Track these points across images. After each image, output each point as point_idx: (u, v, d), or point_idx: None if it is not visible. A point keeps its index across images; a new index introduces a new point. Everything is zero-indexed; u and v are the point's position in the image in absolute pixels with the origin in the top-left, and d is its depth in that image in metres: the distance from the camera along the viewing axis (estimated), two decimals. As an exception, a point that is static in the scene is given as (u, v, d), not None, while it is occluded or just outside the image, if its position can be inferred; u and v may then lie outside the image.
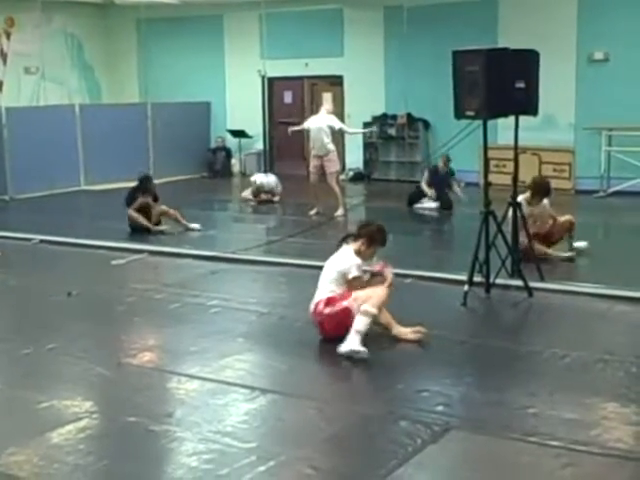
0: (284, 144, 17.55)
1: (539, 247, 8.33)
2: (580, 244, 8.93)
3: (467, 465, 4.27)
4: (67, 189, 15.11)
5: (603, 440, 4.36)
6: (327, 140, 12.19)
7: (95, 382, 5.49)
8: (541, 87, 7.36)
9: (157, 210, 10.99)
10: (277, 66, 16.64)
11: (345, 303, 5.93)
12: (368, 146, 16.73)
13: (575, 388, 5.18)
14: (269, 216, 13.36)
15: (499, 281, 7.42)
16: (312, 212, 12.23)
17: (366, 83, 16.45)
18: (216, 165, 17.92)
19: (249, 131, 17.61)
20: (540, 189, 8.67)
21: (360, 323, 5.78)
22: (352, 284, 6.06)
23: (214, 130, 18.36)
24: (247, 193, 13.94)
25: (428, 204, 12.59)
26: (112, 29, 19.15)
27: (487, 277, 7.35)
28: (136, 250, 9.57)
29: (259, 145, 17.38)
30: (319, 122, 12.17)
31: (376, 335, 5.97)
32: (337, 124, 12.37)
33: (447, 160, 12.74)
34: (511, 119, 7.44)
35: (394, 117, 16.34)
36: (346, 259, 6.17)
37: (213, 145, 18.24)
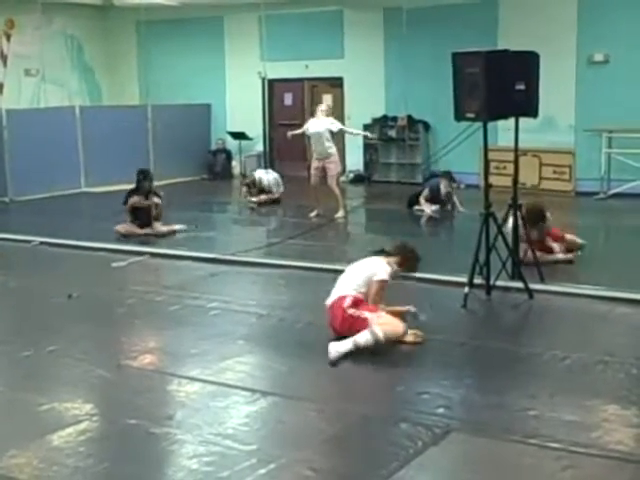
0: (284, 146, 17.53)
1: (539, 254, 8.29)
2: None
3: (468, 467, 4.27)
4: (67, 191, 15.10)
5: (604, 442, 4.37)
6: (328, 144, 12.20)
7: (95, 384, 5.49)
8: (541, 89, 7.37)
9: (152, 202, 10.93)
10: (277, 68, 16.65)
11: (367, 314, 5.90)
12: (368, 148, 16.72)
13: (576, 390, 5.18)
14: (269, 218, 13.35)
15: (499, 283, 7.42)
16: (312, 214, 12.23)
17: (366, 85, 16.45)
18: (216, 167, 17.92)
19: (249, 133, 17.61)
20: (534, 217, 8.39)
21: (362, 338, 5.78)
22: (375, 288, 6.07)
23: (214, 132, 18.35)
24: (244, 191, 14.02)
25: (427, 207, 12.54)
26: (112, 31, 19.16)
27: (487, 279, 7.34)
28: (136, 252, 9.57)
29: (259, 147, 17.39)
30: (318, 127, 12.14)
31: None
32: (336, 126, 12.35)
33: (451, 180, 12.65)
34: (511, 121, 7.44)
35: (394, 119, 16.34)
36: (377, 263, 6.21)
37: (213, 147, 18.23)
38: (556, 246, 8.68)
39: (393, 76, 16.11)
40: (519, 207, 7.68)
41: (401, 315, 6.17)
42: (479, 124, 7.20)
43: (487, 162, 7.54)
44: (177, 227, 11.01)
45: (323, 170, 12.29)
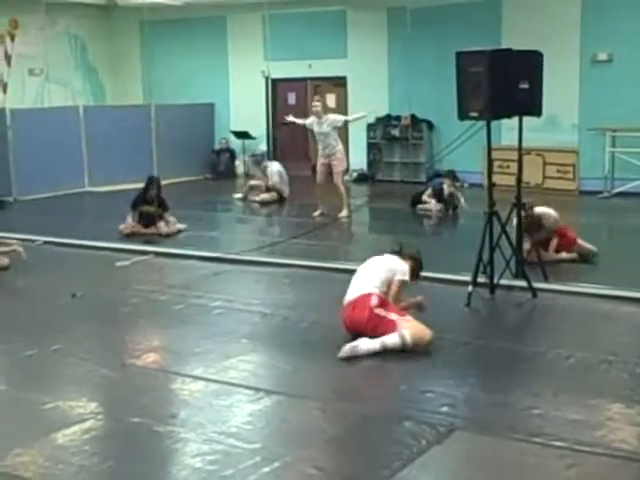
0: (288, 145, 17.57)
1: (544, 253, 8.28)
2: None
3: (472, 466, 4.27)
4: (71, 190, 15.12)
5: (608, 441, 4.37)
6: (334, 143, 12.24)
7: (100, 383, 5.50)
8: (545, 88, 7.36)
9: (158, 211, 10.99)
10: (280, 67, 16.66)
11: (394, 317, 5.90)
12: (372, 147, 16.73)
13: (580, 389, 5.18)
14: (272, 217, 13.37)
15: (503, 282, 7.42)
16: (316, 213, 12.24)
17: (370, 84, 16.44)
18: (220, 166, 17.93)
19: (253, 132, 17.62)
20: (531, 226, 8.31)
21: (390, 340, 5.79)
22: (396, 287, 6.09)
23: (218, 131, 18.37)
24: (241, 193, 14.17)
25: (431, 206, 12.54)
26: (116, 31, 19.18)
27: (491, 278, 7.34)
28: (140, 251, 9.58)
29: (263, 146, 17.39)
30: (324, 127, 12.15)
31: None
32: (339, 122, 12.35)
33: (454, 179, 12.64)
34: (515, 120, 7.44)
35: (398, 118, 16.33)
36: (397, 262, 6.21)
37: (217, 146, 18.24)
38: (553, 242, 8.65)
39: (397, 75, 16.11)
40: (523, 206, 7.68)
41: (411, 306, 6.26)
42: (483, 123, 7.20)
43: (491, 161, 7.53)
44: (181, 226, 11.02)
45: (329, 167, 12.31)
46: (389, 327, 5.83)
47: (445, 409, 4.84)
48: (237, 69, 18.05)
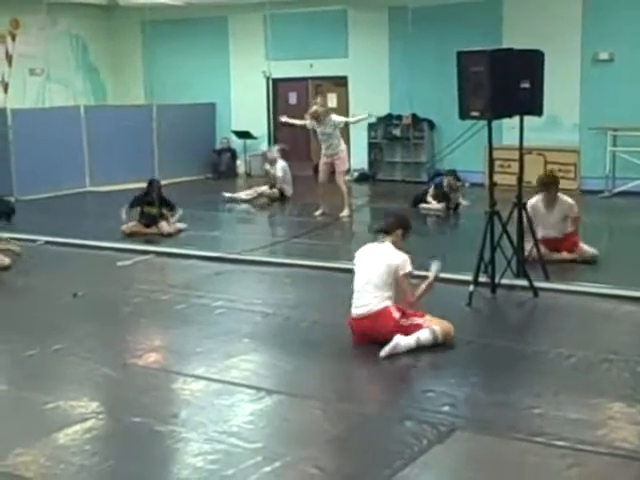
0: (289, 145, 17.56)
1: (544, 252, 8.26)
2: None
3: (473, 465, 4.27)
4: (72, 190, 15.12)
5: (609, 440, 4.37)
6: (337, 142, 12.27)
7: (101, 383, 5.50)
8: (546, 87, 7.36)
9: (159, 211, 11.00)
10: (282, 67, 16.65)
11: (419, 320, 5.94)
12: (373, 147, 16.72)
13: (581, 388, 5.18)
14: (274, 217, 13.38)
15: (504, 281, 7.42)
16: (317, 213, 12.24)
17: (371, 84, 16.43)
18: (221, 166, 17.93)
19: (254, 132, 17.62)
20: (544, 182, 8.60)
21: (424, 336, 5.84)
22: (405, 283, 6.05)
23: (219, 131, 18.36)
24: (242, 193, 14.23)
25: (433, 205, 12.57)
26: (117, 31, 19.18)
27: (492, 277, 7.34)
28: (141, 251, 9.59)
29: (264, 146, 17.39)
30: (326, 128, 12.15)
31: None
32: (340, 123, 12.36)
33: (455, 179, 12.65)
34: (516, 119, 7.44)
35: (399, 117, 16.32)
36: (392, 256, 6.08)
37: (218, 146, 18.24)
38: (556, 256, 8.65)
39: (398, 75, 16.10)
40: (523, 205, 7.67)
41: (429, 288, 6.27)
42: (484, 123, 7.19)
43: (492, 160, 7.52)
44: (181, 226, 11.03)
45: (332, 166, 12.33)
46: (417, 329, 5.89)
47: (446, 408, 4.84)
48: (238, 69, 18.05)
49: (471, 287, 7.09)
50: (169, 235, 10.71)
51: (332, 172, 12.39)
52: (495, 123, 7.30)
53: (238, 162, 18.21)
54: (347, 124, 13.09)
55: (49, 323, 6.89)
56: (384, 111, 16.42)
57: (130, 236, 10.61)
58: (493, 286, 7.35)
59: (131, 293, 7.79)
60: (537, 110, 7.35)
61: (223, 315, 7.00)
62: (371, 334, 5.93)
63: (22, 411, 5.03)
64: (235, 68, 18.13)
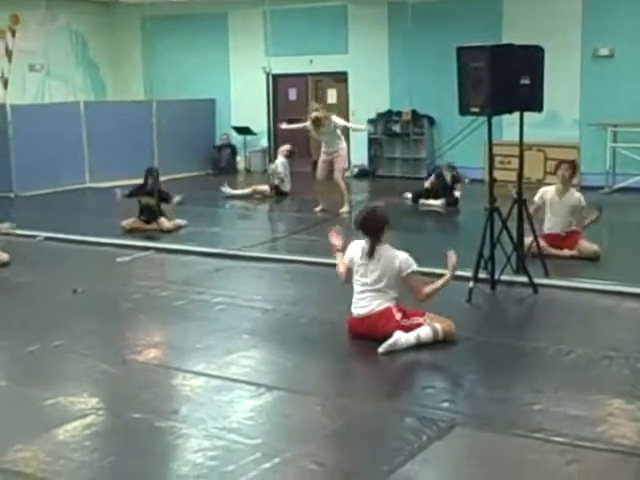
0: (289, 141, 17.53)
1: (544, 246, 8.26)
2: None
3: (472, 462, 4.28)
4: (72, 186, 15.12)
5: (609, 436, 4.37)
6: (338, 140, 12.32)
7: (101, 379, 5.50)
8: (546, 83, 7.35)
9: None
10: (281, 63, 16.63)
11: (420, 320, 5.93)
12: (373, 143, 16.72)
13: (580, 384, 5.18)
14: (273, 213, 13.38)
15: (504, 277, 7.42)
16: (317, 209, 12.25)
17: (371, 80, 16.44)
18: (221, 162, 17.93)
19: (254, 128, 17.62)
20: (563, 161, 8.91)
21: (424, 333, 5.83)
22: (414, 279, 6.02)
23: (219, 127, 18.36)
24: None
25: (433, 201, 12.58)
26: (117, 27, 19.16)
27: (492, 274, 7.34)
28: (141, 247, 9.58)
29: (264, 142, 17.39)
30: (327, 130, 12.15)
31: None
32: (340, 125, 12.37)
33: (452, 169, 12.68)
34: (516, 115, 7.43)
35: (399, 114, 16.32)
36: (394, 257, 5.98)
37: (218, 142, 18.24)
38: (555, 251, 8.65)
39: (397, 71, 16.10)
40: (524, 202, 7.67)
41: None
42: (484, 119, 7.19)
43: (492, 157, 7.52)
44: (181, 222, 11.02)
45: (330, 164, 12.32)
46: (418, 328, 5.88)
47: (446, 405, 4.84)
48: (238, 65, 18.04)
49: (471, 283, 7.09)
50: (169, 231, 10.71)
51: (330, 170, 12.37)
52: (495, 119, 7.30)
53: (238, 158, 18.21)
54: (346, 128, 13.08)
55: (49, 319, 6.88)
56: (384, 107, 16.42)
57: (130, 232, 10.61)
58: (493, 282, 7.35)
59: (131, 289, 7.79)
60: (537, 106, 7.35)
61: (223, 311, 7.00)
62: (371, 333, 5.92)
63: (22, 407, 5.03)
64: (235, 64, 18.13)
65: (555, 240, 8.65)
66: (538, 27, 13.52)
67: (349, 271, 6.19)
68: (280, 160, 14.18)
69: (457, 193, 12.62)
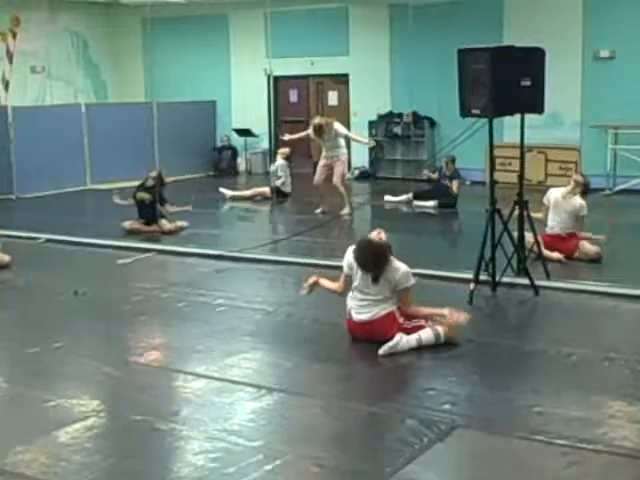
0: (290, 143, 17.53)
1: (545, 251, 8.25)
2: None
3: (473, 463, 4.28)
4: (73, 188, 15.13)
5: (609, 438, 4.37)
6: (340, 146, 12.35)
7: (102, 381, 5.51)
8: (547, 85, 7.35)
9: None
10: (282, 65, 16.62)
11: (422, 322, 5.94)
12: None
13: (581, 386, 5.18)
14: (274, 215, 13.37)
15: (505, 279, 7.42)
16: (318, 211, 12.25)
17: (372, 81, 16.43)
18: (222, 164, 17.93)
19: (255, 130, 17.62)
20: (582, 181, 9.01)
21: (426, 336, 5.84)
22: (410, 293, 5.99)
23: (220, 129, 18.35)
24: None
25: (427, 203, 12.64)
26: (118, 28, 19.14)
27: (493, 275, 7.34)
28: (142, 249, 9.58)
29: (265, 144, 17.38)
30: (329, 136, 12.17)
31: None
32: (342, 133, 12.39)
33: (452, 162, 12.71)
34: (517, 117, 7.43)
35: (400, 115, 16.31)
36: (397, 269, 5.96)
37: (219, 144, 18.24)
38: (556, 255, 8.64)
39: (399, 72, 16.09)
40: (525, 204, 7.67)
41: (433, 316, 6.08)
42: (484, 120, 7.19)
43: (493, 158, 7.52)
44: (182, 224, 11.02)
45: (330, 168, 12.32)
46: (420, 330, 5.89)
47: (447, 407, 4.84)
48: (239, 66, 18.04)
49: (472, 285, 7.09)
50: (170, 233, 10.72)
51: (329, 174, 12.36)
52: (496, 121, 7.31)
53: (239, 160, 18.21)
54: (347, 137, 13.04)
55: (50, 321, 6.89)
56: (385, 109, 16.42)
57: (131, 234, 10.61)
58: (494, 284, 7.35)
59: (132, 291, 7.79)
60: (538, 108, 7.34)
61: (224, 313, 7.00)
62: (372, 336, 5.92)
63: (23, 409, 5.03)
64: (236, 66, 18.12)
65: (555, 240, 8.65)
66: (539, 29, 13.51)
67: (347, 282, 6.17)
68: (279, 162, 14.17)
69: (455, 188, 12.59)
